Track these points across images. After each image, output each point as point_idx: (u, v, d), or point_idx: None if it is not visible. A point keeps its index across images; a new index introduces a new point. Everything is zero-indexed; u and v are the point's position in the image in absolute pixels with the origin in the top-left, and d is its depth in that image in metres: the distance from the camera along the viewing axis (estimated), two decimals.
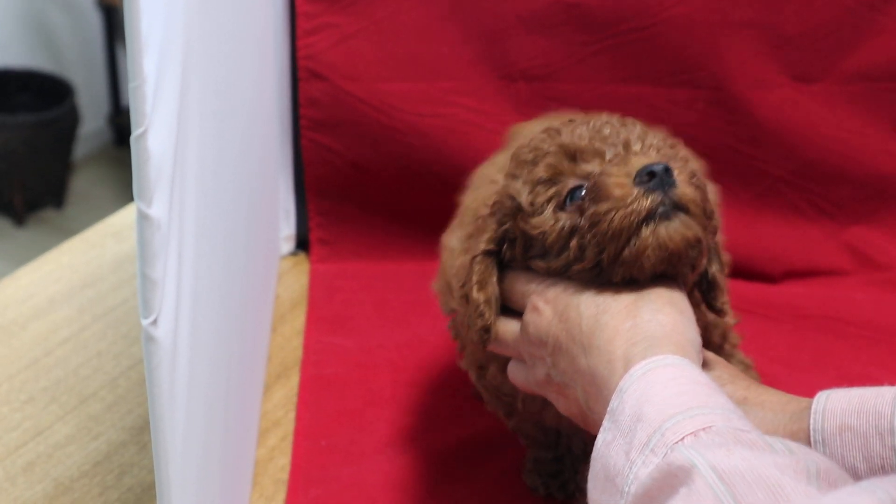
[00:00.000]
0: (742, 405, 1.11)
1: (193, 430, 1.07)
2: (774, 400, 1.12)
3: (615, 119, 1.17)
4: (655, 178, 1.07)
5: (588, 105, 1.82)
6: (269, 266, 1.90)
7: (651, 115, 1.91)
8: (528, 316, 1.15)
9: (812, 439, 1.05)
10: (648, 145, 1.13)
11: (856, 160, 1.97)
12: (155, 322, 0.87)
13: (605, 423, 0.99)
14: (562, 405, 1.16)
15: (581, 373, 1.08)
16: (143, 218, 0.84)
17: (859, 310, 1.94)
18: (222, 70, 1.24)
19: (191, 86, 1.01)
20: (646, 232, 1.07)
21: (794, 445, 0.90)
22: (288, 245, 2.07)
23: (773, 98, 1.93)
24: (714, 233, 1.16)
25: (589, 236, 1.09)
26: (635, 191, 1.08)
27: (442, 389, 1.74)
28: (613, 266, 1.09)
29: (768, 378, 1.60)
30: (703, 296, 1.21)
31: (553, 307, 1.13)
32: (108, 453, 1.56)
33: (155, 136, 0.83)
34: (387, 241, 2.03)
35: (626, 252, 1.08)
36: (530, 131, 1.47)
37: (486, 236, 1.19)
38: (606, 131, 1.14)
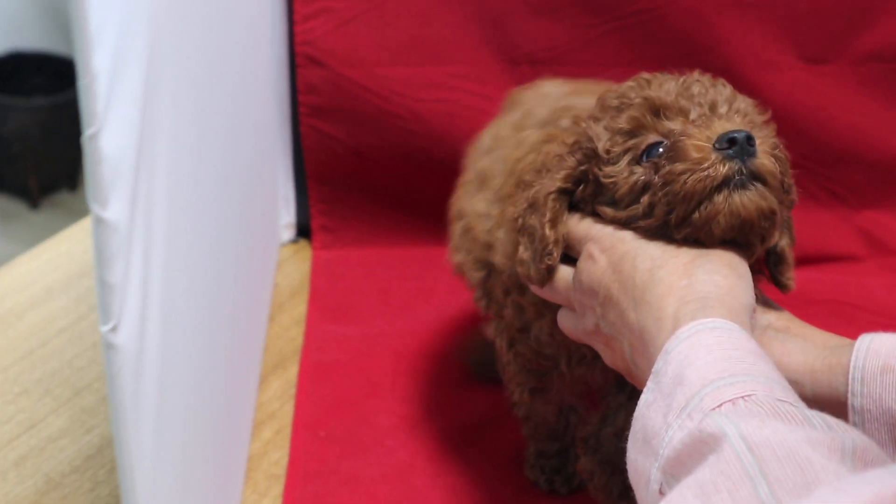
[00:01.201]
0: (783, 333, 1.11)
1: (169, 433, 1.04)
2: (817, 334, 1.12)
3: (706, 79, 1.15)
4: (736, 145, 1.05)
5: None
6: (266, 255, 1.88)
7: None
8: (583, 263, 1.12)
9: (851, 376, 1.04)
10: (735, 109, 1.12)
11: (869, 143, 1.93)
12: (115, 329, 0.84)
13: (649, 384, 0.97)
14: (608, 357, 1.13)
15: (629, 327, 1.05)
16: (98, 221, 0.81)
17: (872, 295, 1.90)
18: (203, 61, 1.21)
19: (162, 79, 0.98)
20: (719, 198, 1.05)
21: (833, 421, 0.87)
22: (288, 233, 2.05)
23: (784, 80, 1.89)
24: (790, 207, 1.14)
25: (661, 194, 1.07)
26: (714, 156, 1.05)
27: (443, 378, 1.72)
28: (681, 227, 1.07)
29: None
30: (769, 269, 1.19)
31: (608, 257, 1.10)
32: (100, 447, 1.54)
33: (110, 137, 0.80)
34: (390, 227, 2.00)
35: (696, 216, 1.06)
36: (531, 96, 1.45)
37: (564, 173, 1.16)
38: (695, 89, 1.12)
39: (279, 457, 1.56)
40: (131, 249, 0.86)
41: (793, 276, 1.20)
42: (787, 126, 1.89)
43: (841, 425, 0.87)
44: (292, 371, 1.72)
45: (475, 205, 1.35)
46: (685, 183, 1.06)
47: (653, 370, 0.98)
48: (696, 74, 1.16)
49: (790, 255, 1.20)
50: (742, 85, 1.86)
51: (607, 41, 1.87)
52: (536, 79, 1.86)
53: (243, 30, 1.56)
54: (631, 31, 1.86)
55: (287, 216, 2.04)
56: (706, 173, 1.05)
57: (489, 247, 1.30)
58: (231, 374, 1.46)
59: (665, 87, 1.13)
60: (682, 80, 1.14)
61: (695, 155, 1.06)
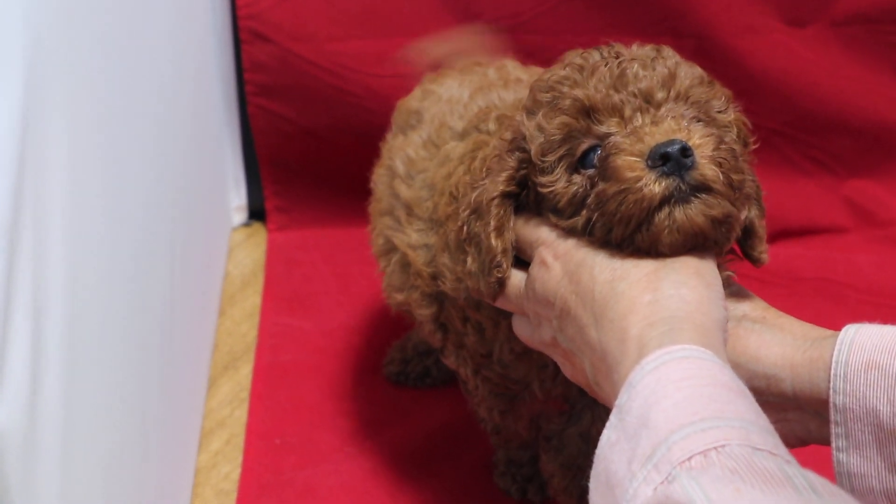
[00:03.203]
0: (759, 324, 1.04)
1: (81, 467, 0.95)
2: (795, 325, 1.05)
3: (644, 53, 1.04)
4: (671, 160, 0.95)
5: None
6: (215, 241, 1.77)
7: None
8: (535, 270, 1.03)
9: (833, 372, 0.96)
10: (675, 94, 1.00)
11: (854, 108, 1.84)
12: None
13: (613, 419, 0.87)
14: (568, 370, 1.04)
15: (590, 345, 0.96)
16: None
17: (859, 271, 1.81)
18: (116, 50, 1.12)
19: (51, 82, 0.88)
20: (659, 217, 0.96)
21: (817, 481, 0.77)
22: (240, 216, 1.94)
23: (764, 45, 1.79)
24: (748, 198, 1.04)
25: (597, 215, 0.98)
26: (647, 174, 0.96)
27: None
28: (626, 245, 0.98)
29: None
30: (739, 244, 1.09)
31: (563, 264, 1.00)
32: None
33: None
34: (348, 207, 1.88)
35: (639, 236, 0.97)
36: (430, 105, 1.34)
37: (505, 175, 1.06)
38: (629, 75, 1.01)
39: (229, 469, 1.46)
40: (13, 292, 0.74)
41: (765, 249, 1.10)
42: (768, 93, 1.82)
43: (827, 487, 0.77)
44: (244, 371, 1.61)
45: (409, 237, 1.24)
46: (620, 204, 0.96)
47: (616, 403, 0.88)
48: (633, 49, 1.05)
49: (761, 228, 1.09)
50: (720, 52, 1.78)
51: (575, 6, 1.76)
52: (503, 48, 1.75)
53: (175, 7, 1.44)
54: None
55: (237, 199, 1.93)
56: (640, 195, 0.95)
57: (436, 277, 1.19)
58: (171, 384, 1.36)
59: (596, 78, 1.01)
60: (616, 63, 1.02)
61: (627, 174, 0.96)
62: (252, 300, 1.75)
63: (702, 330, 0.91)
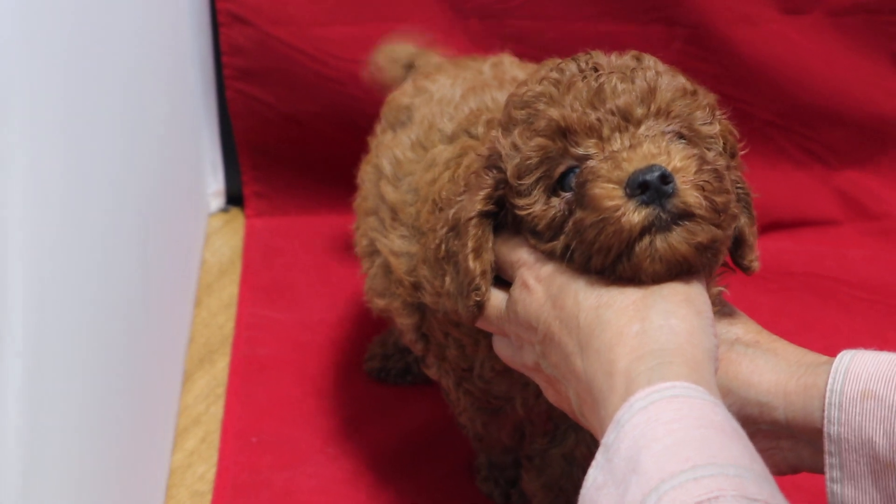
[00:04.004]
0: (752, 348, 1.01)
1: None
2: (789, 349, 1.01)
3: (625, 62, 0.99)
4: (650, 189, 0.91)
5: (549, 48, 1.64)
6: (191, 228, 1.72)
7: None
8: (517, 293, 0.99)
9: (827, 401, 0.94)
10: (656, 109, 0.96)
11: (849, 99, 1.81)
12: None
13: (599, 459, 0.84)
14: (551, 396, 1.01)
15: (576, 375, 0.92)
16: None
17: (852, 267, 1.78)
18: (84, 30, 1.08)
19: (13, 59, 0.86)
20: (640, 247, 0.92)
21: None
22: (217, 201, 1.89)
23: (759, 34, 1.75)
24: (734, 217, 0.99)
25: (575, 242, 0.94)
26: (626, 204, 0.92)
27: None
28: (607, 274, 0.94)
29: None
30: (729, 253, 1.05)
31: (546, 288, 0.97)
32: None
33: None
34: (328, 193, 1.85)
35: (620, 267, 0.93)
36: (421, 103, 1.29)
37: (483, 195, 1.01)
38: (607, 89, 0.96)
39: (205, 470, 1.41)
40: None
41: (756, 258, 1.06)
42: (762, 83, 1.78)
43: None
44: (220, 365, 1.57)
45: (392, 242, 1.19)
46: (598, 234, 0.92)
47: (603, 441, 0.84)
48: (612, 59, 1.00)
49: (751, 236, 1.05)
50: (714, 41, 1.73)
51: None
52: (486, 35, 1.72)
53: None
54: None
55: (215, 183, 1.88)
56: (619, 226, 0.91)
57: (417, 287, 1.14)
58: (144, 380, 1.31)
59: (572, 94, 0.97)
60: (594, 76, 0.97)
61: (605, 203, 0.92)
62: (229, 290, 1.71)
63: (692, 363, 0.87)
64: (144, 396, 1.31)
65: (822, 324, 1.66)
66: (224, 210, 1.89)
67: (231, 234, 1.83)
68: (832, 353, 1.64)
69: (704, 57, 1.74)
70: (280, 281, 1.74)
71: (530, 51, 1.48)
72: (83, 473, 1.05)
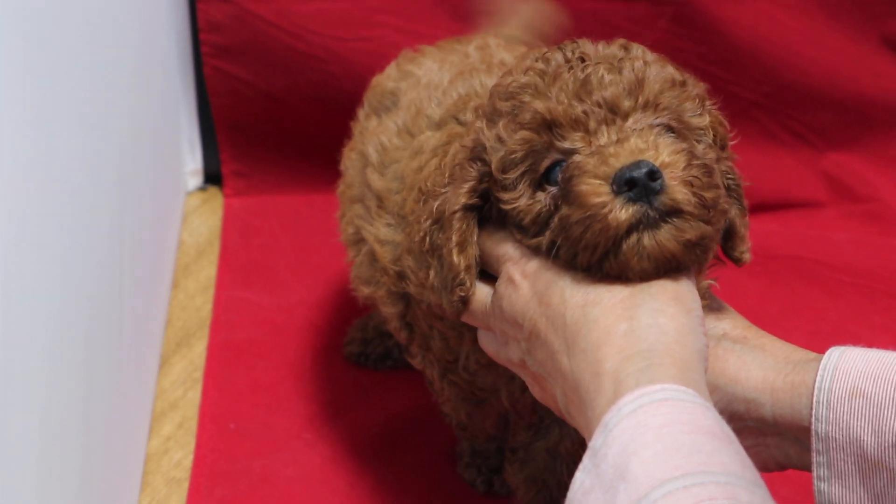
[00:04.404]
0: (740, 344, 1.00)
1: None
2: (777, 346, 1.00)
3: (613, 51, 0.97)
4: (637, 186, 0.89)
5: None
6: (167, 208, 1.69)
7: (605, 36, 1.70)
8: (503, 288, 0.97)
9: (815, 399, 0.93)
10: (644, 101, 0.94)
11: (837, 81, 1.79)
12: None
13: (587, 462, 0.82)
14: (537, 392, 0.99)
15: (562, 373, 0.90)
16: None
17: (836, 250, 1.77)
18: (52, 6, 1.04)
19: None
20: (627, 244, 0.90)
21: None
22: (195, 180, 1.86)
23: (747, 13, 1.73)
24: (724, 213, 0.97)
25: (561, 239, 0.92)
26: (613, 200, 0.90)
27: None
28: (594, 271, 0.92)
29: None
30: (720, 244, 1.03)
31: (532, 284, 0.95)
32: None
33: None
34: (308, 172, 1.82)
35: (607, 264, 0.91)
36: (408, 87, 1.26)
37: (467, 187, 0.99)
38: (594, 81, 0.94)
39: (181, 456, 1.39)
40: None
41: (747, 249, 1.05)
42: (749, 63, 1.76)
43: None
44: (198, 349, 1.54)
45: (377, 230, 1.16)
46: (585, 232, 0.90)
47: (591, 445, 0.82)
48: (599, 49, 0.97)
49: (742, 227, 1.04)
50: (700, 19, 1.70)
51: None
52: (471, 12, 1.67)
53: None
54: None
55: (192, 162, 1.85)
56: (606, 223, 0.89)
57: (402, 276, 1.11)
58: (120, 364, 1.29)
59: (558, 86, 0.94)
60: (580, 67, 0.95)
61: (592, 200, 0.90)
62: (207, 271, 1.68)
63: (681, 364, 0.85)
64: (120, 381, 1.28)
65: (808, 307, 1.65)
66: (202, 189, 1.86)
67: (209, 213, 1.80)
68: (818, 337, 1.63)
69: (690, 36, 1.72)
70: (258, 262, 1.71)
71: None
72: (57, 460, 1.02)
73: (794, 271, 1.71)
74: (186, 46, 1.75)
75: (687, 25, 1.72)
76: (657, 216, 0.90)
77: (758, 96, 1.78)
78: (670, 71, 0.97)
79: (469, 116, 1.11)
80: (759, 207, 1.79)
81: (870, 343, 1.55)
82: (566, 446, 1.20)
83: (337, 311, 1.61)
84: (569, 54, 0.97)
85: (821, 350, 1.55)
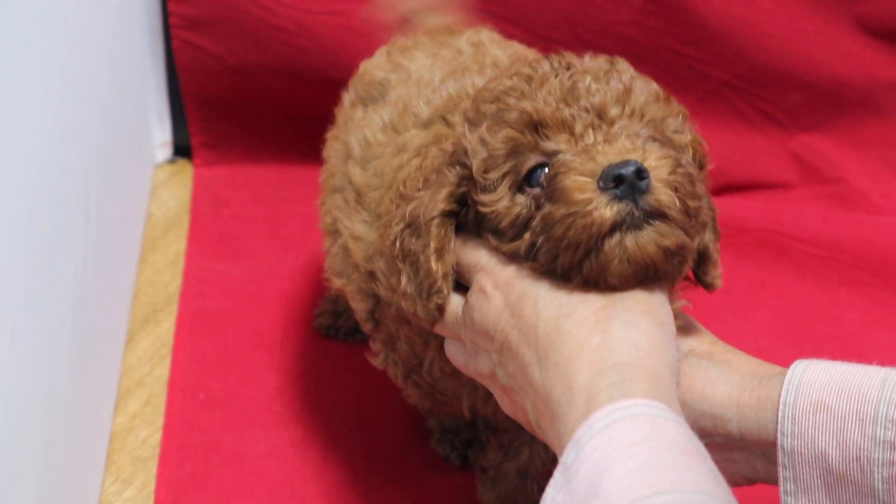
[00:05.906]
0: (706, 360, 1.01)
1: None
2: (743, 361, 1.01)
3: (599, 64, 0.98)
4: (624, 183, 0.89)
5: (508, 5, 1.62)
6: (135, 180, 1.67)
7: (580, 15, 1.71)
8: (474, 298, 0.96)
9: (780, 414, 0.94)
10: (630, 110, 0.94)
11: (808, 62, 1.79)
12: None
13: (558, 478, 0.82)
14: (506, 406, 0.99)
15: (533, 386, 0.90)
16: None
17: (805, 223, 1.77)
18: None
19: None
20: (609, 244, 0.90)
21: None
22: (164, 152, 1.84)
23: None
24: (703, 226, 0.98)
25: (542, 239, 0.92)
26: (598, 197, 0.89)
27: None
28: (571, 275, 0.91)
29: (701, 308, 1.43)
30: (692, 269, 1.03)
31: (504, 294, 0.94)
32: None
33: None
34: (278, 143, 1.82)
35: (587, 265, 0.90)
36: (398, 81, 1.24)
37: (446, 192, 0.98)
38: (581, 88, 0.94)
39: (148, 434, 1.37)
40: None
41: (719, 275, 1.05)
42: (720, 42, 1.75)
43: None
44: (166, 325, 1.52)
45: (353, 225, 1.15)
46: (567, 229, 0.90)
47: (562, 460, 0.82)
48: (586, 60, 0.99)
49: (715, 252, 1.04)
50: (675, 2, 1.71)
51: None
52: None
53: None
54: None
55: (161, 134, 1.83)
56: (590, 219, 0.89)
57: (372, 276, 1.10)
58: (84, 340, 1.27)
59: (545, 90, 0.95)
60: (567, 74, 0.96)
61: (577, 196, 0.90)
62: (176, 245, 1.66)
63: (654, 379, 0.85)
64: (84, 357, 1.27)
65: (776, 281, 1.67)
66: (171, 161, 1.84)
67: (178, 186, 1.78)
68: (785, 312, 1.63)
69: (664, 15, 1.72)
70: (228, 233, 1.70)
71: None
72: (19, 440, 1.01)
73: (764, 244, 1.72)
74: (156, 17, 1.73)
75: (660, 4, 1.71)
76: (641, 216, 0.90)
77: (729, 76, 1.78)
78: (655, 86, 0.98)
79: (457, 118, 1.09)
80: (729, 187, 1.80)
81: (836, 315, 1.58)
82: (536, 466, 1.21)
83: (308, 282, 1.60)
84: (555, 63, 0.97)
85: (788, 328, 1.57)
